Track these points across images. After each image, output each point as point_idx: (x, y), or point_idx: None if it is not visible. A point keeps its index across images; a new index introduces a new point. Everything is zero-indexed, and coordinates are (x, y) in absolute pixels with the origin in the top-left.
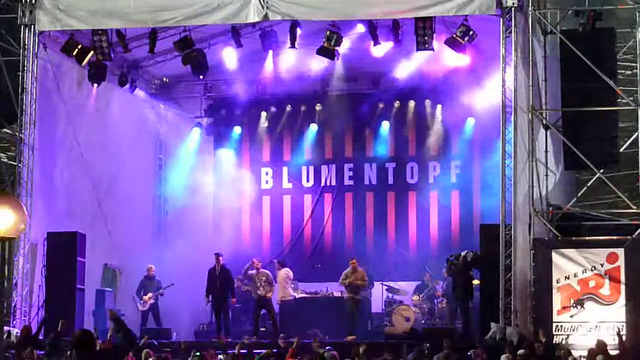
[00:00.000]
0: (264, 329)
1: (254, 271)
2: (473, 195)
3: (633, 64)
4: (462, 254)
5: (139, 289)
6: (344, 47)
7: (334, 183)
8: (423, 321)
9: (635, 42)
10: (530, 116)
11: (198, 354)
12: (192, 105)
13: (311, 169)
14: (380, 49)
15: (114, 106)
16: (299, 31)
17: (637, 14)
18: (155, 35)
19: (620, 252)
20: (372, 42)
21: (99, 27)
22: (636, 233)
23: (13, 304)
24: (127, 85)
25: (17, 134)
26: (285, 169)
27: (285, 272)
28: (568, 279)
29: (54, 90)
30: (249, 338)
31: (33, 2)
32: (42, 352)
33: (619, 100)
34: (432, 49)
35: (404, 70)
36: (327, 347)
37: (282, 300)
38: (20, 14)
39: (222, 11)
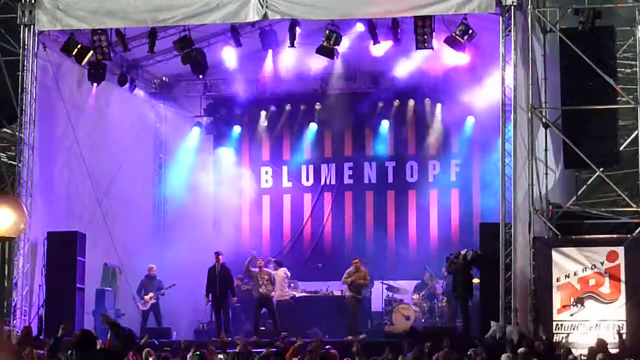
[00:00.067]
0: (263, 328)
1: (256, 269)
2: (473, 193)
3: (633, 62)
4: (462, 252)
5: (140, 289)
6: (343, 46)
7: (333, 182)
8: (423, 320)
9: (635, 41)
10: (530, 115)
11: (198, 353)
12: (192, 105)
13: (311, 168)
14: (380, 48)
15: (113, 106)
16: (298, 30)
17: (637, 12)
18: (154, 34)
19: (621, 250)
20: (371, 41)
21: (98, 26)
22: (636, 231)
23: (13, 304)
24: (127, 85)
25: (17, 133)
26: (285, 168)
27: (283, 272)
28: (568, 277)
29: (54, 90)
30: (239, 339)
31: (33, 1)
32: (42, 351)
33: (619, 98)
34: (432, 48)
35: (404, 69)
36: (327, 346)
37: (279, 300)
38: (20, 14)
39: (222, 10)
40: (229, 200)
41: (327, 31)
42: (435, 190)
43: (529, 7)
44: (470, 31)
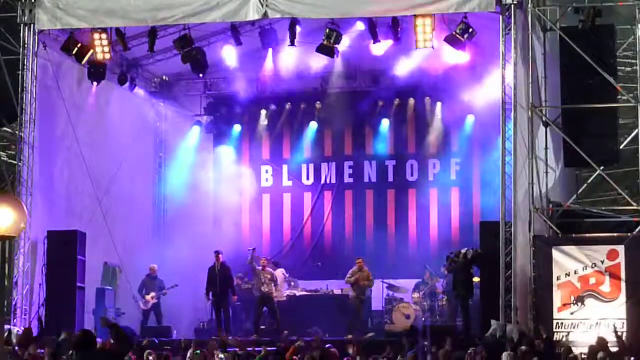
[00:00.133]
0: (263, 327)
1: (259, 267)
2: (473, 192)
3: (633, 61)
4: (462, 251)
5: (141, 288)
6: (343, 45)
7: (333, 181)
8: (423, 319)
9: (635, 39)
10: (530, 113)
11: (198, 352)
12: (192, 104)
13: (311, 166)
14: (380, 47)
15: (113, 105)
16: (298, 29)
17: (637, 11)
18: (154, 33)
19: (621, 249)
20: (371, 40)
21: (98, 25)
22: (636, 230)
23: (13, 303)
24: (127, 84)
25: (17, 132)
26: (285, 167)
27: (281, 273)
28: (568, 276)
29: (54, 89)
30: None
31: (33, 1)
32: (42, 351)
33: (619, 97)
34: (432, 47)
35: (404, 67)
36: (327, 345)
37: (276, 300)
38: (20, 13)
39: (222, 9)
40: (229, 199)
41: (327, 30)
42: (435, 189)
43: (529, 5)
44: (471, 30)
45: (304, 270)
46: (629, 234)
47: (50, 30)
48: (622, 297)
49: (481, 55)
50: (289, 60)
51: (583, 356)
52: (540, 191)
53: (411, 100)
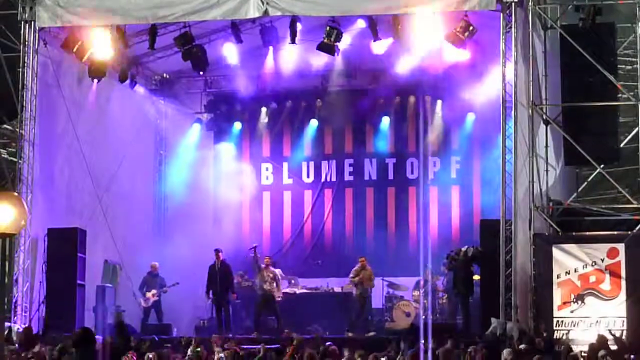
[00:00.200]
0: (264, 325)
1: (263, 266)
2: (473, 190)
3: (633, 59)
4: (463, 249)
5: (142, 285)
6: (344, 43)
7: (334, 179)
8: (424, 317)
9: (635, 37)
10: (530, 111)
11: (198, 349)
12: (192, 101)
13: (311, 164)
14: (381, 45)
15: (114, 102)
16: (299, 27)
17: (638, 9)
18: (155, 31)
19: (621, 247)
20: (372, 38)
21: (99, 23)
22: (637, 228)
23: (14, 300)
24: (127, 82)
25: (17, 130)
26: (285, 165)
27: (279, 273)
28: (568, 274)
29: (54, 87)
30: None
31: None
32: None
33: (620, 95)
34: (432, 45)
35: (404, 65)
36: (327, 343)
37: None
38: (21, 10)
39: (222, 7)
40: (230, 197)
41: (328, 28)
42: (435, 187)
43: (530, 3)
44: (471, 28)
45: (304, 268)
46: (629, 232)
47: (50, 27)
48: (622, 295)
49: (482, 54)
50: (290, 58)
51: (583, 354)
52: (541, 189)
53: (411, 98)
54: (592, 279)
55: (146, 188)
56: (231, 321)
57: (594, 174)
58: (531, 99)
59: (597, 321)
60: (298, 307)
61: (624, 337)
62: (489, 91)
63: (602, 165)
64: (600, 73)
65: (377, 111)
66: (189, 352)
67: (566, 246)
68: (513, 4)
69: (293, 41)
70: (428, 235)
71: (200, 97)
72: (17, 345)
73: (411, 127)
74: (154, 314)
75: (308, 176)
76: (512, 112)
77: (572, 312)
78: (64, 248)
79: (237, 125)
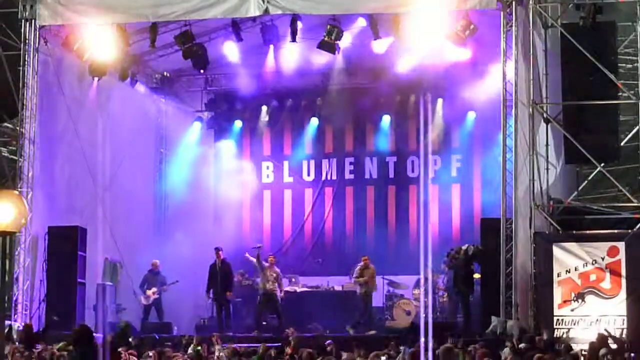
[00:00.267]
0: (264, 323)
1: (267, 264)
2: (473, 189)
3: (634, 58)
4: (463, 247)
5: (143, 283)
6: (344, 41)
7: (334, 177)
8: (424, 315)
9: (636, 36)
10: (531, 110)
11: (199, 348)
12: (193, 100)
13: (312, 163)
14: (381, 43)
15: (114, 100)
16: (299, 25)
17: (638, 8)
18: (156, 29)
19: (621, 245)
20: (373, 36)
21: (99, 21)
22: (637, 227)
23: (14, 298)
24: (128, 80)
25: (18, 128)
26: (286, 163)
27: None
28: (569, 272)
29: (55, 85)
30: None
31: None
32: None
33: (620, 94)
34: (433, 44)
35: (405, 64)
36: (327, 341)
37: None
38: (21, 8)
39: (223, 5)
40: (230, 195)
41: (329, 26)
42: (436, 186)
43: (530, 2)
44: (472, 26)
45: (304, 267)
46: (630, 231)
47: (51, 25)
48: (623, 293)
49: (482, 52)
50: (290, 56)
51: (583, 353)
52: (541, 188)
53: (412, 97)
54: (593, 277)
55: (147, 186)
56: (231, 320)
57: (594, 173)
58: (532, 98)
59: (597, 320)
60: (298, 306)
61: (624, 335)
62: (490, 90)
63: (602, 164)
64: (600, 72)
65: (377, 109)
66: (189, 351)
67: (566, 244)
68: (513, 2)
69: (294, 39)
70: (428, 234)
71: (201, 96)
72: (17, 343)
73: (412, 126)
74: (154, 312)
75: (309, 174)
76: (513, 110)
77: (572, 310)
78: (65, 246)
79: (238, 124)
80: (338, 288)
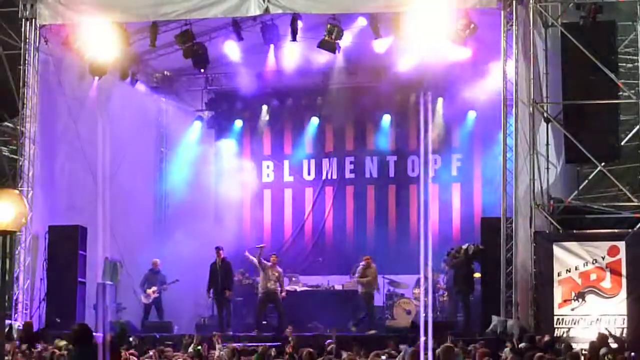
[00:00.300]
0: (265, 322)
1: (269, 263)
2: (474, 188)
3: (634, 57)
4: (463, 247)
5: (143, 282)
6: (345, 41)
7: (335, 176)
8: (424, 314)
9: (636, 35)
10: (531, 109)
11: (199, 347)
12: (193, 99)
13: (312, 162)
14: (382, 43)
15: (115, 100)
16: (300, 24)
17: (638, 7)
18: (156, 28)
19: (622, 245)
20: (373, 36)
21: (100, 20)
22: (637, 226)
23: (15, 298)
24: (128, 79)
25: (18, 127)
26: (286, 163)
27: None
28: (569, 272)
29: (55, 84)
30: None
31: None
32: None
33: (620, 93)
34: (433, 43)
35: (405, 63)
36: (327, 341)
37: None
38: (22, 8)
39: (223, 5)
40: (231, 194)
41: (329, 25)
42: (436, 185)
43: (531, 1)
44: (472, 26)
45: (305, 266)
46: (630, 230)
47: (51, 25)
48: (623, 293)
49: (483, 51)
50: (291, 55)
51: (584, 352)
52: (542, 187)
53: (412, 96)
54: (593, 276)
55: (147, 185)
56: (232, 319)
57: (594, 172)
58: (532, 97)
59: (597, 319)
60: (299, 305)
61: (624, 335)
62: (490, 89)
63: (602, 163)
64: (601, 71)
65: (378, 109)
66: (189, 350)
67: (567, 244)
68: (514, 1)
69: (294, 39)
70: (429, 233)
71: (201, 95)
72: (17, 342)
73: (412, 125)
74: (154, 311)
75: (309, 174)
76: (513, 109)
77: (572, 310)
78: (65, 245)
79: (238, 123)
80: (338, 287)
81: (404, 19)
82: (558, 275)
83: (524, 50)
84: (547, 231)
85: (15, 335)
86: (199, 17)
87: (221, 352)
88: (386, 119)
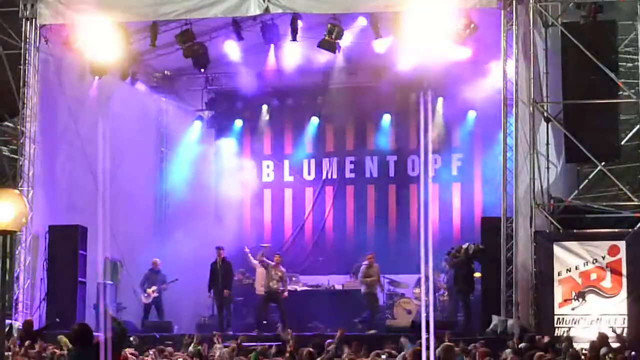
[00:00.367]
0: (265, 322)
1: (272, 262)
2: (474, 188)
3: (634, 57)
4: (464, 246)
5: (144, 282)
6: (345, 40)
7: (335, 176)
8: (425, 314)
9: (636, 35)
10: (531, 109)
11: (200, 347)
12: (194, 99)
13: (312, 162)
14: (382, 42)
15: (115, 99)
16: (300, 24)
17: (639, 7)
18: (156, 28)
19: (622, 244)
20: (373, 35)
21: (100, 20)
22: (638, 225)
23: (15, 297)
24: (129, 79)
25: (18, 127)
26: (286, 162)
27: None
28: (569, 271)
29: (56, 84)
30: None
31: None
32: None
33: (621, 92)
34: (434, 43)
35: (405, 63)
36: (328, 340)
37: (259, 293)
38: (22, 7)
39: (223, 4)
40: (231, 194)
41: (329, 25)
42: (436, 185)
43: (531, 1)
44: (472, 25)
45: (305, 266)
46: (630, 230)
47: (51, 24)
48: (623, 292)
49: (483, 51)
50: (291, 55)
51: (584, 352)
52: (542, 187)
53: (412, 96)
54: (593, 276)
55: (147, 185)
56: (232, 319)
57: (595, 172)
58: (532, 97)
59: (598, 319)
60: (299, 305)
61: (624, 334)
62: (490, 88)
63: (603, 163)
64: (601, 71)
65: (378, 108)
66: (189, 349)
67: (567, 244)
68: (514, 1)
69: (294, 38)
70: (429, 231)
71: (201, 95)
72: (18, 341)
73: (412, 125)
74: (154, 311)
75: (309, 173)
76: (513, 109)
77: (573, 309)
78: (65, 245)
79: (238, 123)
80: (338, 287)
81: (404, 18)
82: (558, 275)
83: (524, 49)
84: (548, 231)
85: (15, 335)
86: (199, 16)
87: (223, 350)
88: (386, 119)
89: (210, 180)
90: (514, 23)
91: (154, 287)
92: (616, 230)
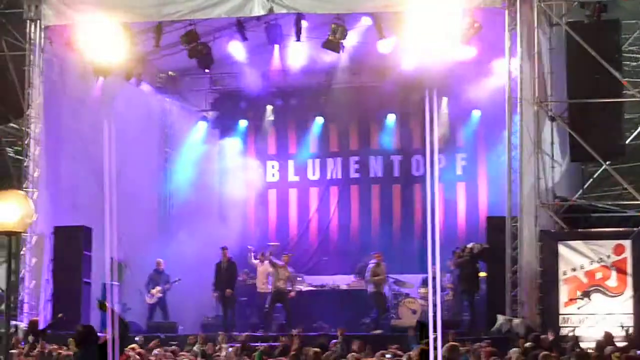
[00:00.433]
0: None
1: (281, 262)
2: (479, 187)
3: (638, 56)
4: (469, 246)
5: (148, 282)
6: (349, 40)
7: (339, 176)
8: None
9: None
10: (536, 108)
11: (204, 347)
12: (198, 99)
13: (317, 162)
14: (386, 42)
15: (119, 100)
16: (304, 24)
17: None
18: (160, 28)
19: (627, 243)
20: (377, 35)
21: (104, 21)
22: None
23: (20, 298)
24: (133, 79)
25: (23, 128)
26: (291, 162)
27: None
28: (574, 270)
29: (60, 85)
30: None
31: None
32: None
33: (625, 91)
34: (438, 42)
35: (409, 62)
36: (332, 341)
37: (260, 291)
38: (26, 9)
39: (227, 5)
40: (235, 194)
41: (333, 25)
42: (441, 184)
43: (535, 0)
44: (476, 25)
45: (310, 265)
46: (635, 229)
47: (56, 25)
48: (629, 291)
49: (487, 50)
50: (295, 55)
51: (590, 351)
52: (547, 186)
53: (416, 95)
54: (599, 275)
55: (151, 185)
56: (237, 319)
57: (599, 171)
58: (536, 96)
59: (603, 318)
60: (304, 305)
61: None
62: (494, 88)
63: (607, 162)
64: (605, 69)
65: (382, 108)
66: (194, 349)
67: (572, 243)
68: (518, 0)
69: (298, 39)
70: (436, 231)
71: (206, 95)
72: (22, 341)
73: (416, 124)
74: (159, 312)
75: (314, 173)
76: (518, 108)
77: (578, 308)
78: (70, 246)
79: (243, 123)
80: (343, 287)
81: (408, 18)
82: (563, 274)
83: (528, 49)
84: (553, 230)
85: (20, 336)
86: (203, 17)
87: (229, 350)
88: (390, 119)
89: (214, 181)
90: (518, 22)
91: (158, 288)
92: (621, 229)
